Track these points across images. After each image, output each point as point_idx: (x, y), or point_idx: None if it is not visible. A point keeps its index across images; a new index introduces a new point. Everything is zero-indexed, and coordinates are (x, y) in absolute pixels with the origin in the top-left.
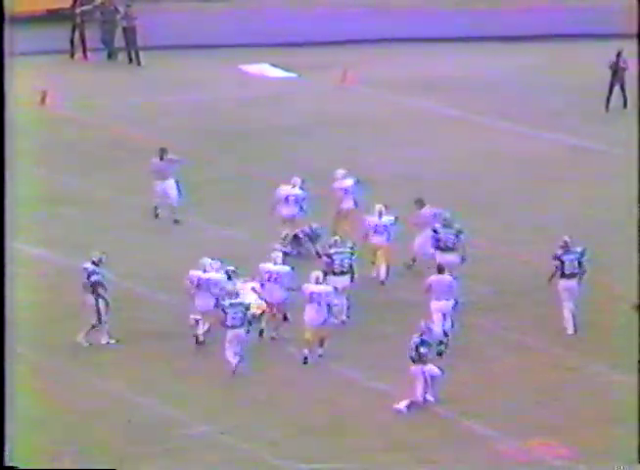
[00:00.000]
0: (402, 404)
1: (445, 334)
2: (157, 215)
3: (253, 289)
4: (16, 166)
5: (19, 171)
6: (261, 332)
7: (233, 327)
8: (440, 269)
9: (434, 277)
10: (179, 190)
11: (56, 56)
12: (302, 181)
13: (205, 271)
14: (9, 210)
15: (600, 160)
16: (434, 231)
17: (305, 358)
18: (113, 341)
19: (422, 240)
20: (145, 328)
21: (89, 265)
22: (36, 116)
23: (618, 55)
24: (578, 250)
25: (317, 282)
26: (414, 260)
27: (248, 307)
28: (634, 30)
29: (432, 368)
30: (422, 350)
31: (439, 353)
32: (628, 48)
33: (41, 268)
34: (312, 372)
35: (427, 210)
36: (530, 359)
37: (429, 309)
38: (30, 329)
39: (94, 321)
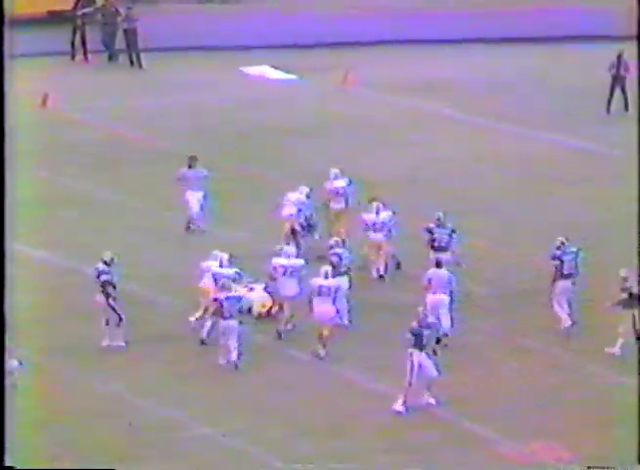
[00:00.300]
0: (399, 403)
1: (445, 334)
2: (188, 228)
3: (252, 289)
4: (17, 168)
5: (20, 173)
6: (279, 335)
7: (227, 318)
8: (438, 263)
9: (432, 271)
10: (204, 205)
11: (57, 58)
12: (310, 190)
13: (221, 266)
14: (10, 211)
15: (601, 161)
16: (429, 231)
17: (326, 352)
18: (114, 343)
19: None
20: (146, 330)
21: (100, 265)
22: (37, 117)
23: (619, 57)
24: (574, 250)
25: (326, 277)
26: (399, 262)
27: (241, 300)
28: (634, 32)
29: (422, 358)
30: (407, 335)
31: (438, 341)
32: (628, 50)
33: (42, 270)
34: (312, 374)
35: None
36: (531, 361)
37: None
38: (31, 331)
39: (116, 320)
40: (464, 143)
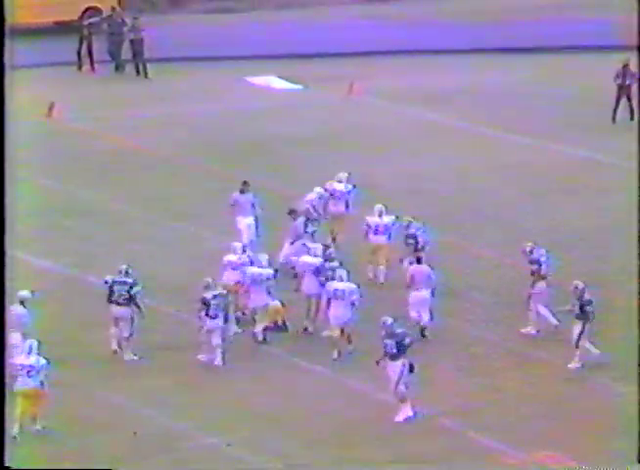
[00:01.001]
0: (401, 415)
1: (424, 328)
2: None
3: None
4: (21, 177)
5: (24, 181)
6: (285, 326)
7: (213, 318)
8: (419, 260)
9: (413, 268)
10: (257, 228)
11: (63, 68)
12: (325, 190)
13: (260, 266)
14: (12, 220)
15: (604, 171)
16: (412, 237)
17: (339, 353)
18: (126, 357)
19: (292, 249)
20: (150, 340)
21: (128, 278)
22: (43, 127)
23: (625, 67)
24: (543, 252)
25: (340, 280)
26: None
27: (227, 297)
28: (634, 43)
29: (395, 368)
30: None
31: (423, 335)
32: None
33: (44, 279)
34: (316, 383)
35: (300, 221)
36: (534, 371)
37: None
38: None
39: (126, 333)
40: (466, 152)
